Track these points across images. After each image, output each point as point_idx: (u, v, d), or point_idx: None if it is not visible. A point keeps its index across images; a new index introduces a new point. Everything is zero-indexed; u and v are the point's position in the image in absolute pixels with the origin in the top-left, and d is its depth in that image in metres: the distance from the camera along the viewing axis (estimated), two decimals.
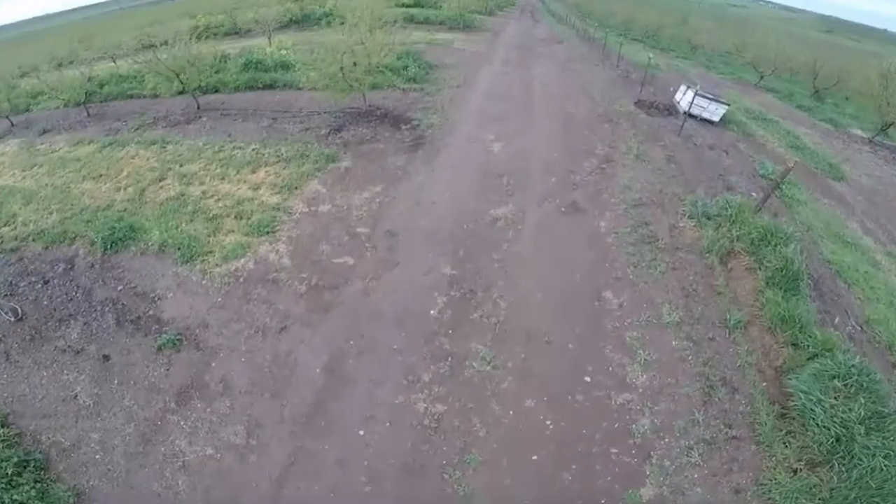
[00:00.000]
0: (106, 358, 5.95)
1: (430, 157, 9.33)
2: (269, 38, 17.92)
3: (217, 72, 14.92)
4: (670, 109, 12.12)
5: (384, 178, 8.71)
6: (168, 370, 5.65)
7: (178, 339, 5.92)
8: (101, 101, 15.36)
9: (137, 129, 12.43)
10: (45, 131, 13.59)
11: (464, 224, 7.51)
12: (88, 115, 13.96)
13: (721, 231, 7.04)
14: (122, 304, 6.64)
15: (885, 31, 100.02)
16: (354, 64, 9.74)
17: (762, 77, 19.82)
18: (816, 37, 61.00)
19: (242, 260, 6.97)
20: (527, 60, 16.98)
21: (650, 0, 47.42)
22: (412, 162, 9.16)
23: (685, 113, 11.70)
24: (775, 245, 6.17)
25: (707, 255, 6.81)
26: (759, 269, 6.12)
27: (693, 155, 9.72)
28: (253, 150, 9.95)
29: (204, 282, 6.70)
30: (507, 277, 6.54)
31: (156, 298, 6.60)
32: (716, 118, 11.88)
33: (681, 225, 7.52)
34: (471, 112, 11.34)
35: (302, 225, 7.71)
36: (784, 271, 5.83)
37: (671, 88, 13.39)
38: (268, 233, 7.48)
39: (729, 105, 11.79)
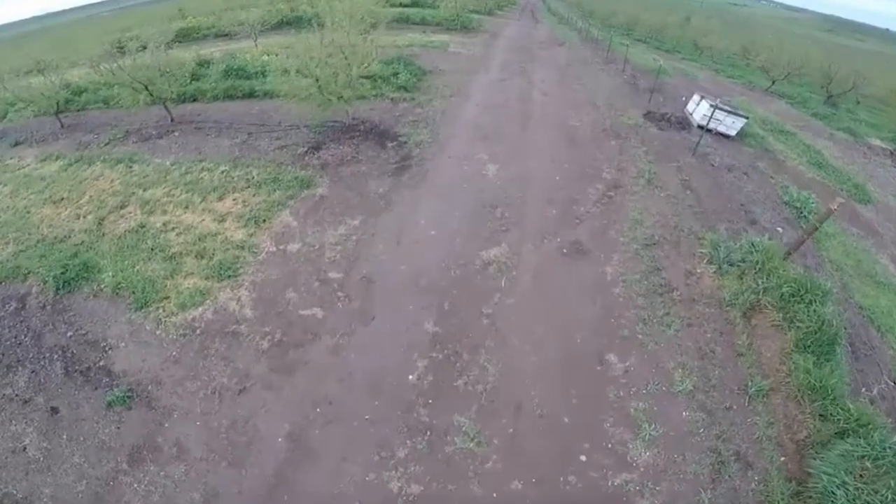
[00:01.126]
0: (54, 410, 5.34)
1: (416, 181, 8.04)
2: (255, 41, 16.54)
3: (196, 79, 13.60)
4: (683, 122, 10.76)
5: (363, 209, 7.44)
6: (119, 428, 5.01)
7: (128, 396, 5.23)
8: (79, 110, 14.04)
9: (108, 143, 11.19)
10: (17, 143, 12.32)
11: (451, 269, 6.28)
12: (62, 125, 12.68)
13: (746, 282, 5.83)
14: (72, 352, 5.88)
15: (887, 30, 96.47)
16: (335, 75, 8.40)
17: (773, 82, 18.33)
18: (820, 37, 58.61)
19: (200, 308, 6.03)
20: (526, 65, 15.47)
21: None
22: (396, 188, 7.88)
23: (699, 126, 10.48)
24: (809, 302, 5.19)
25: (728, 308, 5.65)
26: (789, 328, 5.17)
27: (711, 179, 8.41)
28: (222, 172, 8.69)
29: (158, 332, 5.83)
30: (498, 336, 5.42)
31: (107, 348, 5.82)
32: (732, 132, 10.51)
33: (698, 271, 6.31)
34: (464, 126, 9.99)
35: (268, 267, 6.58)
36: (818, 334, 4.91)
37: (683, 98, 12.03)
38: (230, 276, 6.46)
39: (747, 118, 10.45)
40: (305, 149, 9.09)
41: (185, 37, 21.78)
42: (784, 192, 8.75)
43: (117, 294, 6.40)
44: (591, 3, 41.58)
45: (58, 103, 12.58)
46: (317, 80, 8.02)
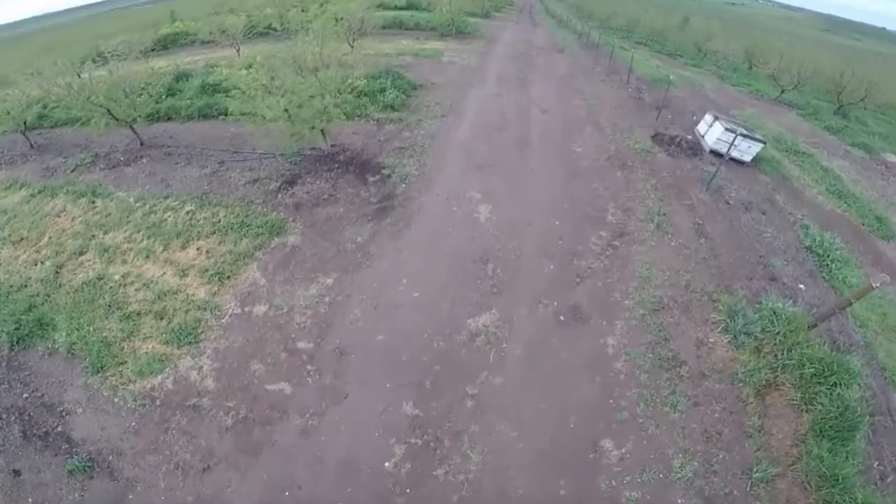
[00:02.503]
0: (17, 473, 4.95)
1: (399, 228, 6.87)
2: (237, 51, 15.05)
3: (172, 94, 12.29)
4: (694, 147, 9.40)
5: (339, 263, 6.37)
6: (83, 496, 4.59)
7: (89, 465, 4.77)
8: (52, 126, 12.73)
9: (74, 169, 9.96)
10: None
11: (434, 341, 5.32)
12: (32, 145, 11.46)
13: (763, 357, 4.96)
14: (29, 414, 5.33)
15: (884, 29, 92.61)
16: (309, 100, 7.04)
17: (783, 91, 16.86)
18: (818, 36, 56.03)
19: (160, 377, 5.33)
20: (524, 76, 13.99)
21: None
22: (376, 236, 6.73)
23: (712, 152, 9.17)
24: (834, 385, 4.51)
25: (741, 384, 4.79)
26: (807, 410, 4.55)
27: (727, 223, 7.19)
28: (187, 213, 7.58)
29: (116, 400, 5.23)
30: (483, 421, 4.65)
31: (64, 413, 5.25)
32: (747, 158, 9.17)
33: (711, 341, 5.34)
34: (455, 154, 8.69)
35: (232, 333, 5.70)
36: (839, 419, 4.28)
37: (693, 117, 10.69)
38: (190, 343, 5.65)
39: (765, 143, 9.13)
40: (279, 183, 7.87)
41: (172, 42, 20.21)
42: (805, 233, 7.55)
43: (72, 354, 5.72)
44: (590, 4, 39.13)
45: (25, 122, 11.44)
46: (286, 110, 6.83)
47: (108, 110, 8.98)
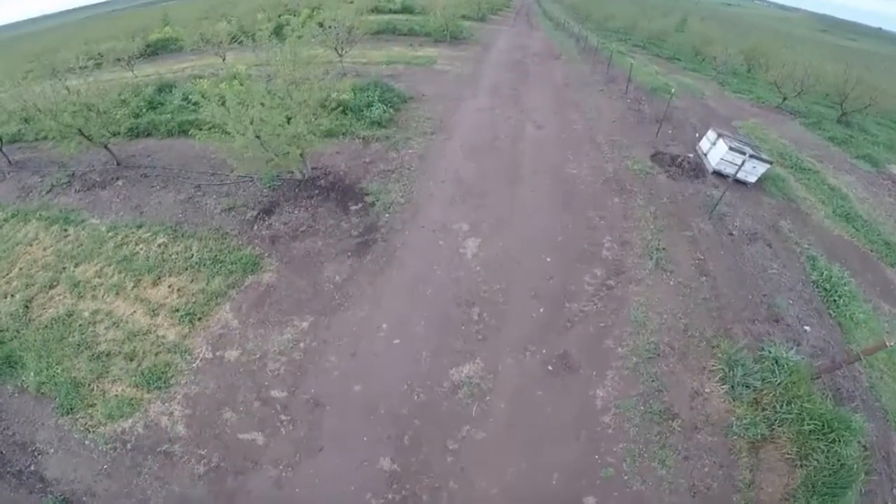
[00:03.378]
0: None
1: (381, 265, 6.26)
2: (223, 58, 14.22)
3: (153, 108, 11.62)
4: (696, 168, 8.67)
5: (315, 305, 5.84)
6: None
7: None
8: (34, 140, 12.17)
9: (50, 190, 9.31)
10: None
11: (414, 393, 4.87)
12: (10, 162, 10.80)
13: (761, 410, 4.61)
14: (2, 452, 5.11)
15: (880, 29, 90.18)
16: (281, 126, 6.25)
17: (785, 98, 16.05)
18: (814, 37, 54.49)
19: (130, 420, 5.04)
20: (519, 87, 13.16)
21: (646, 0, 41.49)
22: (356, 275, 6.14)
23: (715, 173, 8.45)
24: (832, 441, 4.24)
25: (735, 437, 4.53)
26: (801, 465, 4.29)
27: (730, 257, 6.57)
28: (160, 245, 7.04)
29: (87, 442, 4.97)
30: (463, 478, 4.29)
31: (35, 453, 5.01)
32: (752, 178, 8.47)
33: (707, 391, 4.94)
34: (444, 179, 7.98)
35: (203, 378, 5.30)
36: (833, 476, 4.03)
37: (696, 134, 9.92)
38: (160, 387, 5.29)
39: (771, 163, 8.39)
40: (256, 212, 7.22)
41: (161, 48, 19.38)
42: (812, 265, 6.98)
43: (42, 394, 5.42)
44: (588, 6, 37.72)
45: (1, 139, 10.77)
46: (257, 137, 6.15)
47: (80, 130, 8.39)
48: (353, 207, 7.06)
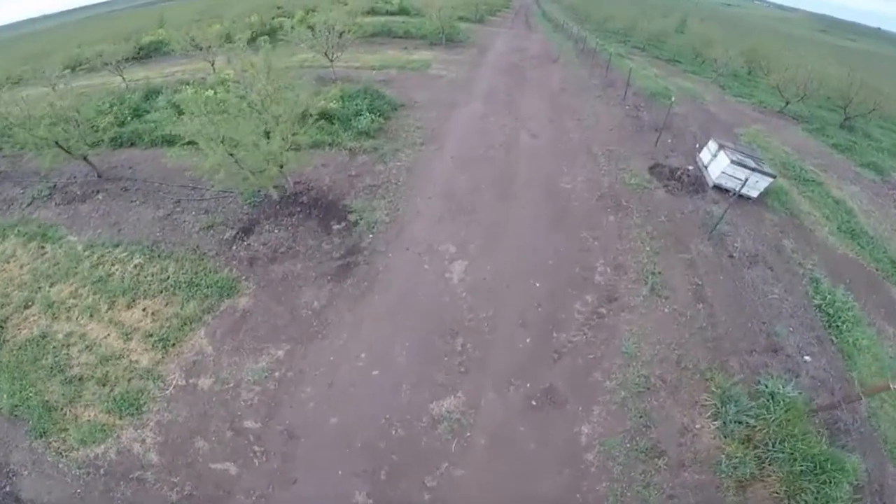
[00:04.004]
0: None
1: (362, 290, 5.85)
2: (212, 64, 13.64)
3: (138, 115, 11.13)
4: (696, 181, 8.11)
5: (292, 332, 5.49)
6: None
7: None
8: (21, 147, 11.85)
9: (31, 202, 8.92)
10: None
11: (392, 427, 4.56)
12: None
13: (752, 448, 4.30)
14: None
15: (879, 29, 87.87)
16: (254, 145, 5.74)
17: (787, 103, 15.41)
18: (814, 37, 53.07)
19: (103, 446, 4.88)
20: (514, 92, 12.58)
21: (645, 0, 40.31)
22: (335, 301, 5.74)
23: (715, 187, 7.91)
24: (823, 482, 4.03)
25: (723, 476, 4.24)
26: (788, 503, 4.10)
27: (729, 282, 6.12)
28: (135, 266, 6.71)
29: (60, 466, 4.84)
30: None
31: (11, 474, 4.92)
32: (754, 193, 7.92)
33: (697, 426, 4.61)
34: (432, 195, 7.49)
35: (176, 406, 5.09)
36: None
37: (696, 145, 9.33)
38: (132, 414, 5.12)
39: (774, 177, 7.87)
40: (234, 231, 6.80)
41: (154, 51, 18.80)
42: (815, 289, 6.52)
43: (15, 416, 5.27)
44: (587, 7, 36.62)
45: None
46: (231, 154, 5.70)
47: (57, 142, 7.97)
48: (336, 227, 6.62)
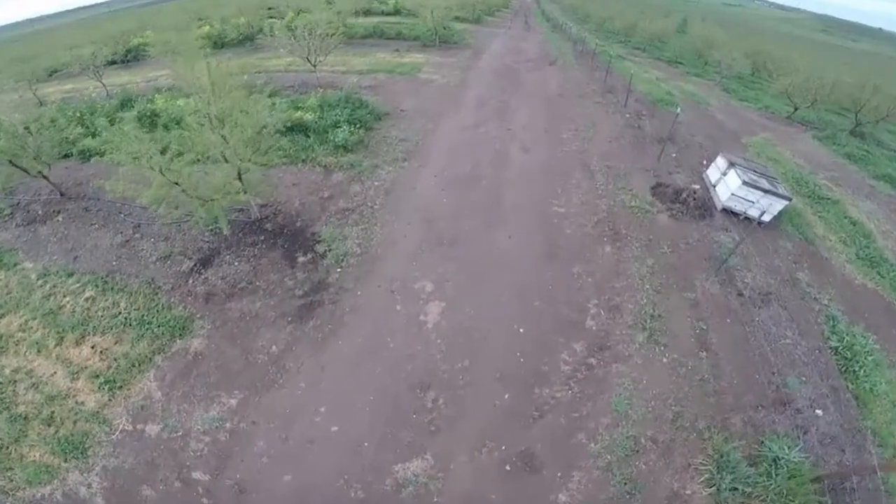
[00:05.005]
0: None
1: (324, 334, 5.09)
2: (192, 69, 12.68)
3: (112, 124, 10.38)
4: (702, 204, 7.12)
5: (247, 379, 4.84)
6: None
7: None
8: None
9: None
10: None
11: (351, 489, 3.95)
12: None
13: None
14: None
15: (880, 29, 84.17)
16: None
17: (796, 109, 14.24)
18: (815, 37, 50.61)
19: (49, 487, 4.51)
20: (508, 99, 11.53)
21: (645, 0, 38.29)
22: (296, 345, 5.02)
23: (725, 210, 6.96)
24: None
25: None
26: None
27: (738, 326, 5.28)
28: (87, 299, 6.02)
29: (9, 503, 4.52)
30: None
31: None
32: (767, 217, 6.97)
33: (687, 493, 3.96)
34: (410, 221, 6.62)
35: (122, 451, 4.61)
36: None
37: (703, 160, 8.36)
38: (78, 457, 4.67)
39: (790, 199, 6.93)
40: (192, 262, 6.01)
41: (143, 53, 17.83)
42: (832, 328, 5.71)
43: None
44: (587, 7, 34.83)
45: None
46: (176, 183, 4.90)
47: (10, 160, 7.19)
48: (301, 259, 5.80)
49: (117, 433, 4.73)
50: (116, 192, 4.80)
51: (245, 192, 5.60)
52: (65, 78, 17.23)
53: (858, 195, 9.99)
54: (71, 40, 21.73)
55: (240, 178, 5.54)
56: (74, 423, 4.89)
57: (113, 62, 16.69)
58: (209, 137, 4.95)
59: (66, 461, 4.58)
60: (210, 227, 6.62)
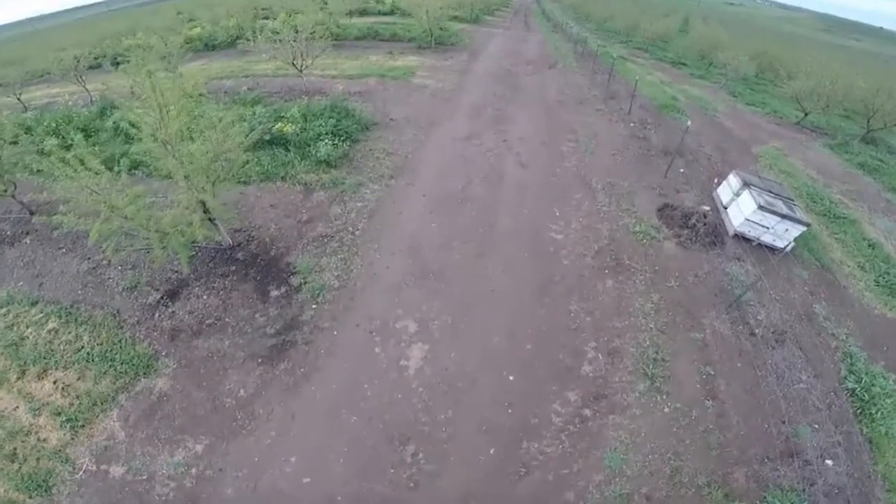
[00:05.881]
0: None
1: (296, 378, 4.61)
2: (179, 75, 12.05)
3: (89, 136, 9.65)
4: (713, 231, 6.40)
5: (213, 424, 4.41)
6: None
7: None
8: None
9: None
10: None
11: None
12: None
13: None
14: None
15: (881, 28, 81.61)
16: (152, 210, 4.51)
17: (806, 114, 13.45)
18: (817, 37, 48.79)
19: None
20: (505, 106, 10.81)
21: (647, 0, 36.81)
22: (265, 390, 4.55)
23: (737, 236, 6.32)
24: None
25: None
26: None
27: (748, 370, 4.73)
28: (49, 332, 5.57)
29: None
30: None
31: None
32: (782, 244, 6.30)
33: None
34: (394, 252, 5.98)
35: (86, 491, 4.29)
36: None
37: (714, 179, 7.61)
38: (41, 495, 4.41)
39: (809, 225, 6.24)
40: (160, 294, 5.50)
41: (125, 60, 17.08)
42: (850, 367, 5.17)
43: None
44: (588, 6, 33.41)
45: None
46: (125, 217, 4.30)
47: None
48: (274, 293, 5.26)
49: (81, 473, 4.48)
50: (64, 226, 4.27)
51: (211, 220, 5.01)
52: (54, 81, 16.67)
53: (874, 211, 9.29)
54: (63, 42, 21.04)
55: (204, 208, 5.04)
56: (38, 459, 4.65)
57: (101, 65, 16.06)
58: (166, 162, 4.43)
59: (30, 497, 4.33)
60: (177, 258, 6.17)
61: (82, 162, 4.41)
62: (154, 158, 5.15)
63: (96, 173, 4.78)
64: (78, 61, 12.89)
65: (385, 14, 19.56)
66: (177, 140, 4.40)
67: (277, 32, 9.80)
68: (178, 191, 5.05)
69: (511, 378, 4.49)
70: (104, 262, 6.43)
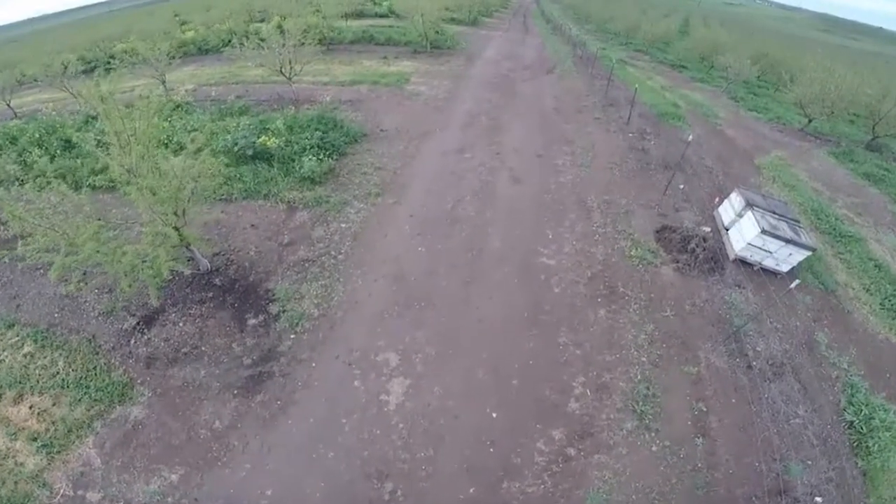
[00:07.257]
0: None
1: (273, 411, 4.44)
2: (163, 83, 11.62)
3: (70, 148, 9.42)
4: (713, 255, 6.08)
5: (188, 455, 4.27)
6: None
7: None
8: None
9: None
10: None
11: None
12: None
13: None
14: None
15: (881, 28, 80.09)
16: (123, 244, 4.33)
17: (810, 121, 13.04)
18: (817, 37, 47.80)
19: None
20: (500, 115, 10.52)
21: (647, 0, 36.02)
22: (241, 422, 4.40)
23: (738, 260, 6.02)
24: None
25: None
26: None
27: (743, 406, 4.50)
28: (25, 355, 5.43)
29: None
30: None
31: None
32: (785, 268, 6.07)
33: None
34: (377, 278, 5.73)
35: None
36: None
37: (715, 198, 7.24)
38: None
39: (814, 249, 5.94)
40: (136, 320, 5.30)
41: (121, 61, 16.78)
42: (850, 399, 4.96)
43: None
44: (587, 7, 32.84)
45: None
46: (97, 251, 4.10)
47: None
48: (252, 322, 5.06)
49: (59, 497, 4.44)
50: (28, 258, 4.07)
51: (187, 246, 4.72)
52: (46, 86, 16.46)
53: (881, 226, 8.97)
54: (60, 44, 20.78)
55: (178, 233, 4.82)
56: (16, 483, 4.64)
57: (94, 68, 15.79)
58: (129, 189, 4.19)
59: None
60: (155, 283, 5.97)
61: (41, 188, 4.16)
62: (121, 184, 4.96)
63: (63, 195, 4.57)
64: (66, 67, 12.64)
65: (381, 16, 19.20)
66: (138, 167, 4.16)
67: (264, 39, 9.52)
68: (148, 218, 4.84)
69: (494, 416, 4.28)
70: (81, 283, 6.30)
